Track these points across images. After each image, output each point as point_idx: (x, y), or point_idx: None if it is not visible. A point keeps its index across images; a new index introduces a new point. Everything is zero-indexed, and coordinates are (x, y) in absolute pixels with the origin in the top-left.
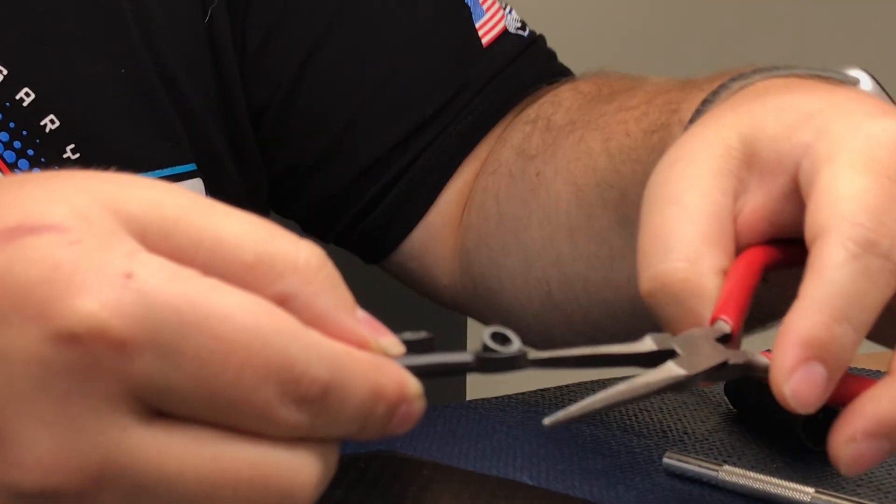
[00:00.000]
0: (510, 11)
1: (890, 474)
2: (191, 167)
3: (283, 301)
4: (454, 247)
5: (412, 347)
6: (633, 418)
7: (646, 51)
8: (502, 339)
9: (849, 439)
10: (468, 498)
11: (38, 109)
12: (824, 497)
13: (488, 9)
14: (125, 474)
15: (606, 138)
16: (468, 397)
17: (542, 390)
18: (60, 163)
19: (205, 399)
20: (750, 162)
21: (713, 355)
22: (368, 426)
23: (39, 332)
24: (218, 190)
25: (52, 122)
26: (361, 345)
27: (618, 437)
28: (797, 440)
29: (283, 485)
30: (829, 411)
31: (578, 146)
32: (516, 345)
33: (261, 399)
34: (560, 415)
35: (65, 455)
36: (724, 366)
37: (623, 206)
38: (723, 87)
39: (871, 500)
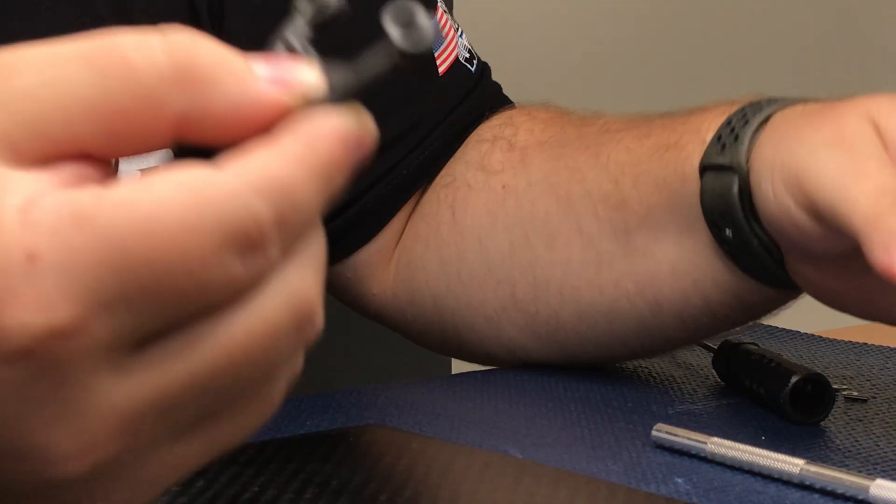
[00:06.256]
0: (461, 35)
1: (878, 446)
2: None
3: (184, 125)
4: (392, 257)
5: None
6: (621, 391)
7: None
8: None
9: None
10: (458, 472)
11: None
12: (813, 469)
13: (446, 35)
14: (145, 417)
15: (596, 154)
16: (453, 371)
17: (526, 367)
18: None
19: (174, 314)
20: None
21: None
22: (333, 195)
23: None
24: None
25: None
26: (284, 112)
27: (605, 411)
28: (785, 413)
29: (282, 320)
30: (817, 383)
31: (558, 162)
32: (427, 24)
33: (225, 277)
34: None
35: (85, 438)
36: None
37: (620, 214)
38: (752, 112)
39: (860, 472)
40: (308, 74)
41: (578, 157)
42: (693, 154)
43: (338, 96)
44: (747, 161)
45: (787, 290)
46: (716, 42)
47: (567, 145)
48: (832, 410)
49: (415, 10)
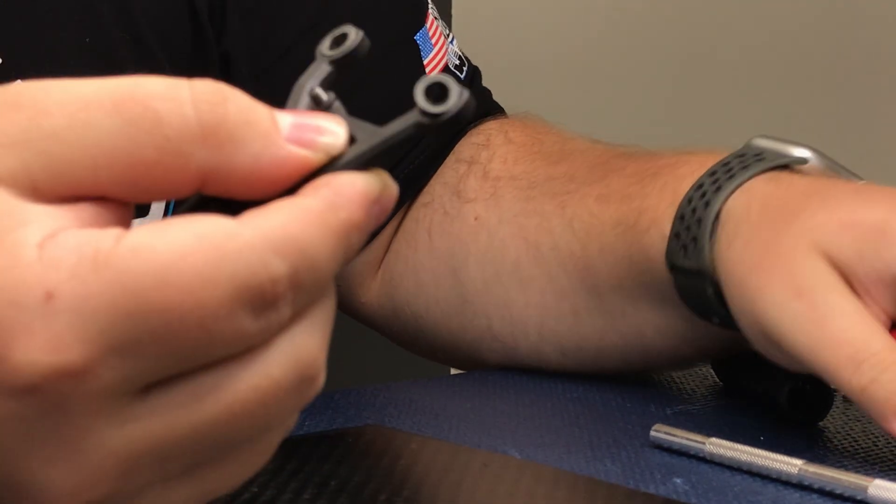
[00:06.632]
0: (452, 42)
1: (876, 445)
2: None
3: (207, 179)
4: (378, 269)
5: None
6: (620, 391)
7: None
8: (439, 92)
9: None
10: (457, 472)
11: (6, 74)
12: (811, 469)
13: (436, 43)
14: (142, 461)
15: (562, 205)
16: (452, 372)
17: (525, 367)
18: None
19: (181, 364)
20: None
21: None
22: (350, 257)
23: None
24: None
25: None
26: (307, 168)
27: (604, 411)
28: (783, 413)
29: (286, 380)
30: (816, 383)
31: (527, 204)
32: (455, 91)
33: (235, 332)
34: None
35: (82, 477)
36: None
37: (590, 276)
38: (698, 199)
39: (858, 472)
40: (333, 130)
41: (546, 204)
42: (656, 242)
43: (361, 154)
44: (713, 268)
45: None
46: (708, 46)
47: (536, 187)
48: (830, 410)
49: (449, 86)
